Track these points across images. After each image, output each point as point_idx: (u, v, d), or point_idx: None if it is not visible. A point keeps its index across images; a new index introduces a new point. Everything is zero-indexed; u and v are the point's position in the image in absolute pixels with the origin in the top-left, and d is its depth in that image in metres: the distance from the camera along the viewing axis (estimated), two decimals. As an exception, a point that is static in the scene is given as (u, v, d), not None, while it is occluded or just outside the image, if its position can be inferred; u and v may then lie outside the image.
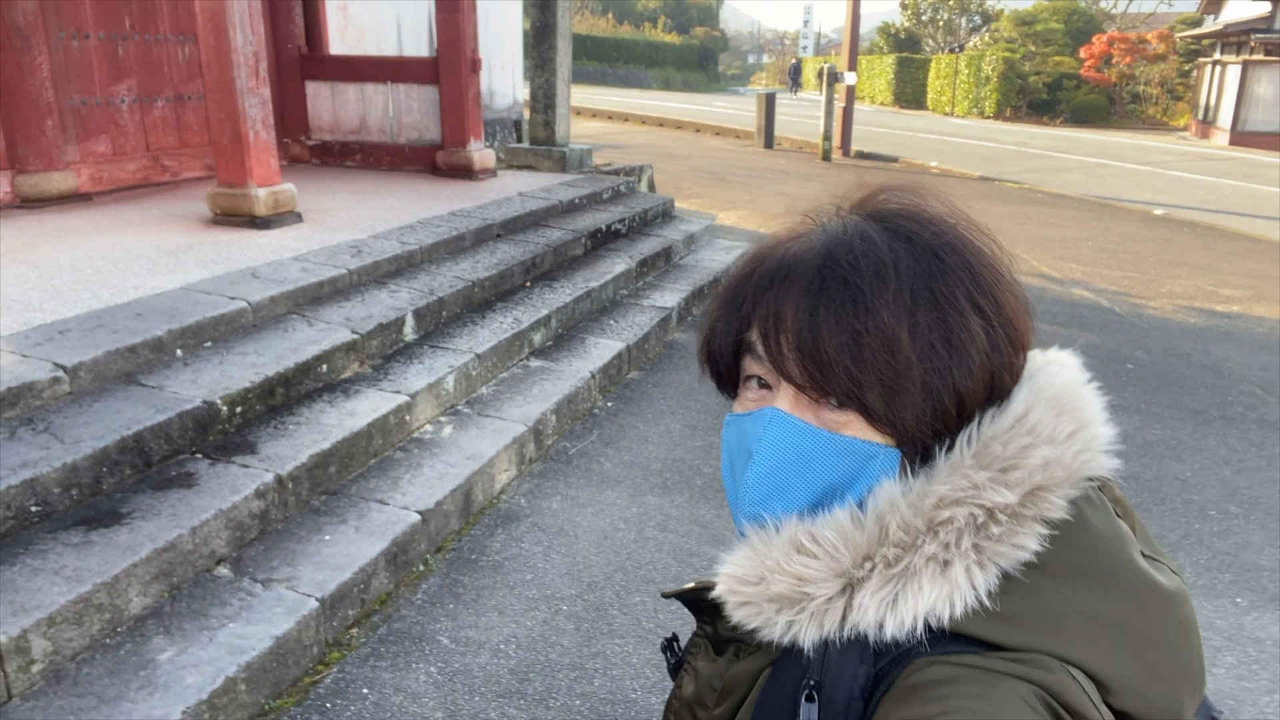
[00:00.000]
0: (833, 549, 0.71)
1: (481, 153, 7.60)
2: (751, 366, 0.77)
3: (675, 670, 0.94)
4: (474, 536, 3.42)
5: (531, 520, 3.55)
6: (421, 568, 3.18)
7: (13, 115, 5.53)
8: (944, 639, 0.68)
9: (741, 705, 0.78)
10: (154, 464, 2.99)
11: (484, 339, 4.48)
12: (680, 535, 3.50)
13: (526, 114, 12.60)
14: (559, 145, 9.54)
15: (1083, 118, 28.32)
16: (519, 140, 12.10)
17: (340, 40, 8.36)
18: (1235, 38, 22.40)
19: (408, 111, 7.68)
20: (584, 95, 25.10)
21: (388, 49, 9.21)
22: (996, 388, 0.73)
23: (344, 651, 2.74)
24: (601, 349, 5.00)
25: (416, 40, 9.54)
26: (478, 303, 4.98)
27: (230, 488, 2.90)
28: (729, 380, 0.81)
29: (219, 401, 3.22)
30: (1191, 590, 3.29)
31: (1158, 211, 11.83)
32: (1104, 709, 0.66)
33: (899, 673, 0.68)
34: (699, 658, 0.87)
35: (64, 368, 3.07)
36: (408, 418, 3.74)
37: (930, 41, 38.21)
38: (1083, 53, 28.64)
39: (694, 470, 4.02)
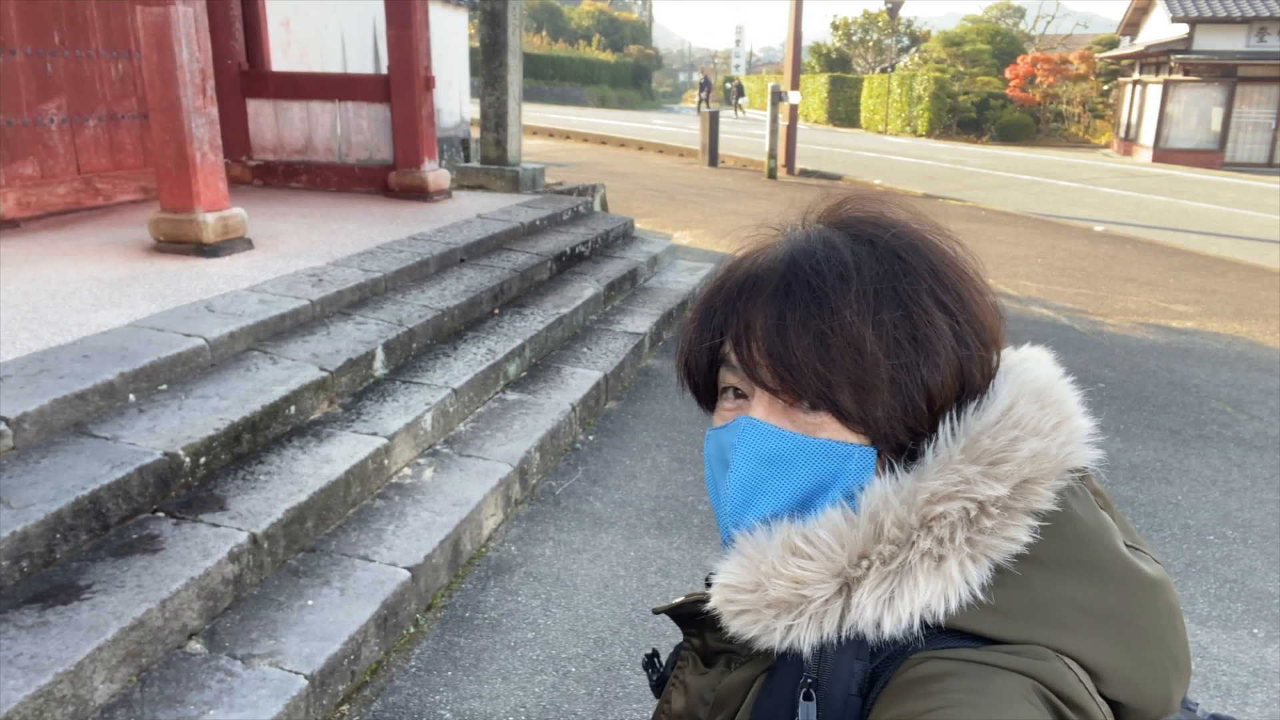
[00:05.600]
0: (828, 549, 0.71)
1: (436, 173, 7.34)
2: (727, 378, 0.78)
3: (658, 687, 0.92)
4: (465, 591, 3.17)
5: (525, 570, 3.32)
6: (412, 629, 2.93)
7: (-70, 136, 5.10)
8: (939, 634, 0.68)
9: (736, 715, 0.77)
10: (112, 526, 2.68)
11: (459, 372, 4.23)
12: (685, 580, 3.30)
13: (474, 133, 12.36)
14: (511, 164, 9.32)
15: (1009, 136, 29.09)
16: (467, 159, 11.83)
17: (283, 56, 8.02)
18: (1155, 58, 23.26)
19: (357, 131, 7.38)
20: (523, 112, 24.73)
21: (332, 66, 8.88)
22: (967, 383, 0.73)
23: (337, 732, 2.47)
24: (579, 379, 4.79)
25: (362, 57, 9.23)
26: (448, 333, 4.73)
27: (200, 551, 2.62)
28: (708, 395, 0.82)
29: (181, 452, 2.92)
30: (1206, 622, 3.24)
31: (1098, 228, 12.09)
32: (1099, 698, 0.67)
33: (895, 668, 0.68)
34: (687, 671, 0.86)
35: (6, 420, 2.74)
36: (386, 461, 3.48)
37: (861, 61, 38.93)
38: (1008, 73, 29.46)
39: (689, 508, 3.83)
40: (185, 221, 4.81)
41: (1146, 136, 23.39)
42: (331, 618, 2.66)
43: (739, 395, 0.78)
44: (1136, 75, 24.92)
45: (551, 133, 22.97)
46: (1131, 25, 27.27)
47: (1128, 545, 0.73)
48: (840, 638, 0.70)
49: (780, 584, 0.71)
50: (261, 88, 7.43)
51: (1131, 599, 0.70)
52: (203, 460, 3.02)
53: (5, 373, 3.06)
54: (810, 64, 42.94)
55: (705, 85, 45.11)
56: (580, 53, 49.73)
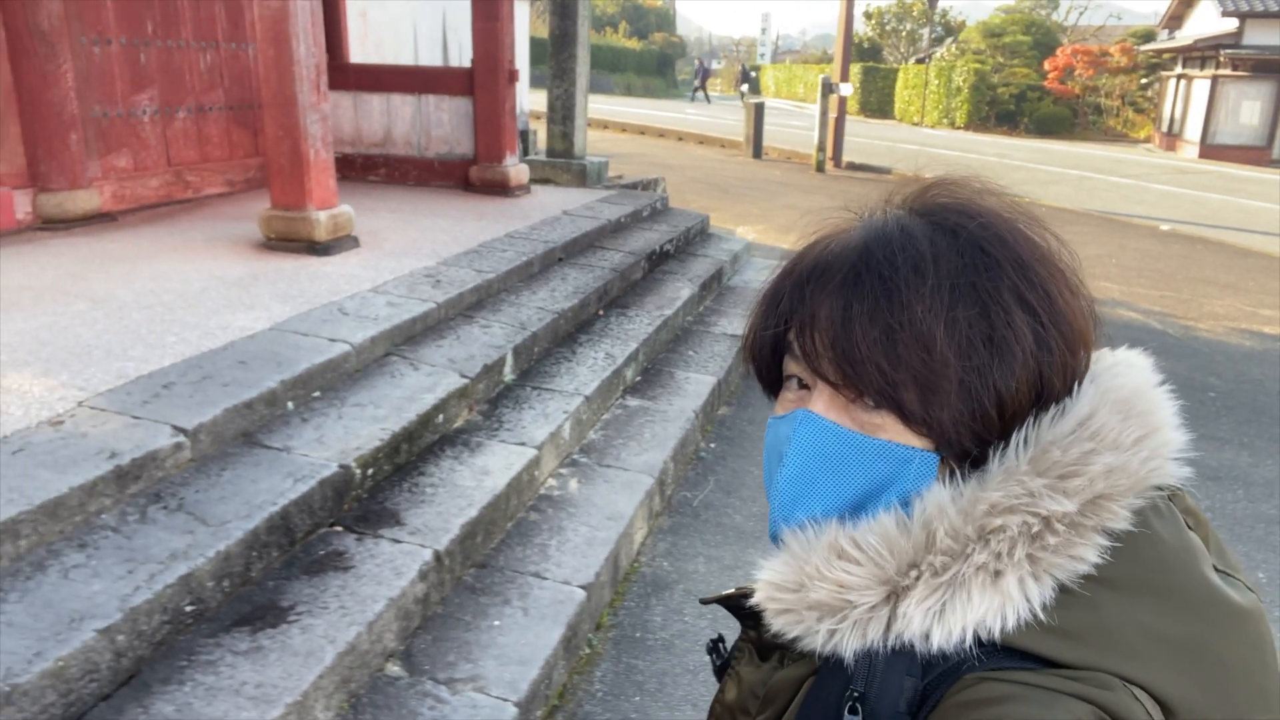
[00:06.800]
0: (877, 555, 0.68)
1: (517, 168, 7.25)
2: (790, 366, 0.75)
3: (721, 673, 0.90)
4: (629, 609, 3.10)
5: (683, 587, 3.24)
6: (588, 650, 2.86)
7: (35, 128, 5.05)
8: (997, 653, 0.64)
9: (784, 714, 0.75)
10: (298, 542, 2.62)
11: (585, 378, 4.16)
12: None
13: (532, 125, 12.25)
14: (578, 158, 9.25)
15: (1046, 129, 28.71)
16: (526, 152, 11.72)
17: (360, 48, 7.94)
18: (1202, 52, 22.88)
19: (437, 124, 7.30)
20: (556, 101, 24.49)
21: (404, 58, 8.80)
22: (1045, 390, 0.69)
23: (541, 761, 2.41)
24: (694, 384, 4.71)
25: (431, 49, 9.15)
26: (563, 336, 4.66)
27: (392, 569, 2.55)
28: (772, 381, 0.78)
29: (353, 464, 2.86)
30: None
31: (1164, 227, 11.89)
32: None
33: (948, 688, 0.64)
34: (743, 663, 0.84)
35: (184, 431, 2.69)
36: (536, 473, 3.41)
37: (893, 52, 38.53)
38: (1047, 65, 29.07)
39: (831, 522, 3.74)
40: (298, 219, 4.74)
41: (1192, 132, 23.03)
42: (522, 639, 2.59)
43: (802, 385, 0.74)
44: (1180, 69, 24.52)
45: (589, 122, 22.80)
46: (1175, 18, 26.82)
47: (1218, 570, 0.68)
48: (886, 648, 0.66)
49: (822, 586, 0.68)
50: (341, 79, 7.33)
51: (1214, 629, 0.65)
52: (370, 471, 2.96)
53: (169, 380, 3.00)
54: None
55: (700, 72, 44.45)
56: (607, 40, 49.47)
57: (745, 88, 42.40)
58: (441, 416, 3.42)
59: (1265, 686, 0.67)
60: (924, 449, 0.69)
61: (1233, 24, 21.23)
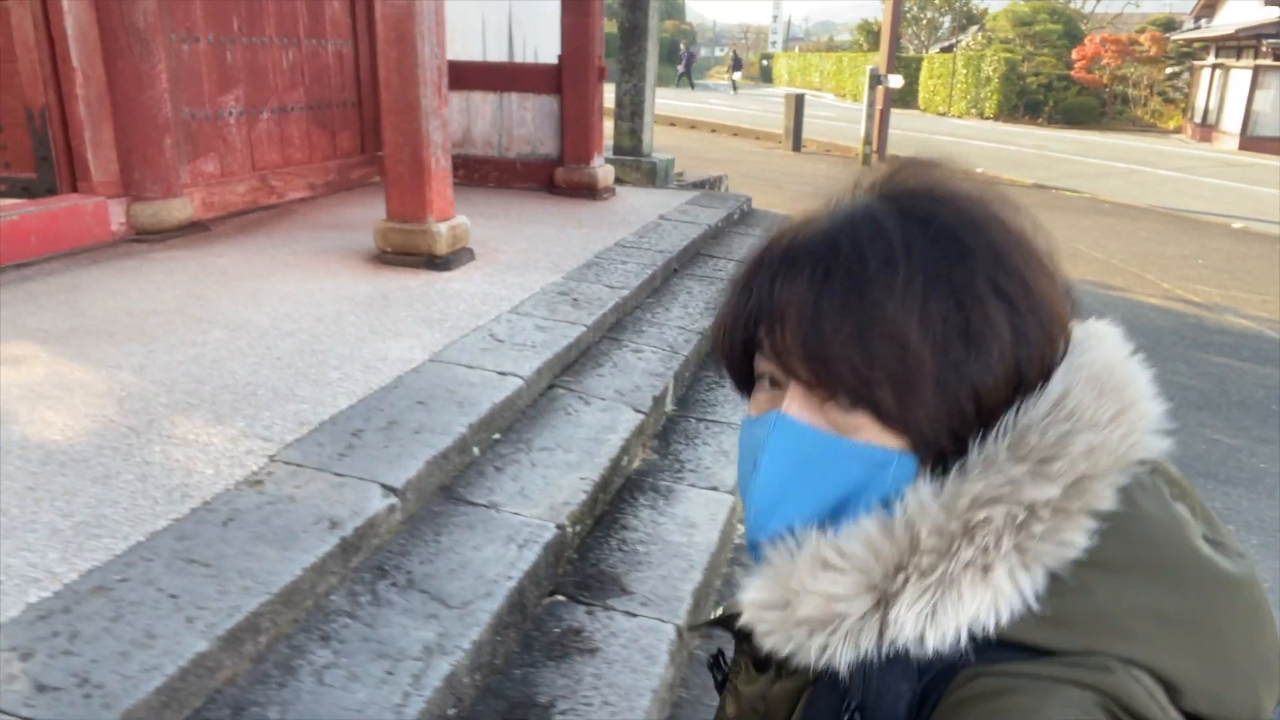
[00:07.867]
0: (861, 562, 0.64)
1: (604, 169, 6.95)
2: (761, 364, 0.71)
3: (722, 688, 0.87)
4: (855, 675, 2.82)
5: (904, 648, 2.96)
6: (832, 729, 2.57)
7: (130, 132, 4.75)
8: (992, 647, 0.61)
9: None
10: (529, 617, 2.34)
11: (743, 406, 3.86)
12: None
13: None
14: (646, 155, 8.95)
15: (1074, 119, 28.29)
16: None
17: (433, 42, 7.61)
18: (1238, 41, 22.48)
19: (520, 123, 6.98)
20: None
21: (473, 52, 8.47)
22: (1023, 383, 0.65)
23: None
24: (842, 408, 4.42)
25: (499, 43, 8.83)
26: (704, 357, 4.36)
27: (640, 651, 2.27)
28: (742, 379, 0.75)
29: (566, 523, 2.57)
30: None
31: (1236, 225, 11.58)
32: (1173, 712, 0.59)
33: (945, 687, 0.62)
34: (740, 678, 0.81)
35: (394, 490, 2.40)
36: (735, 520, 3.12)
37: (915, 40, 38.06)
38: (1075, 54, 28.63)
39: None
40: (418, 232, 4.45)
41: (1230, 123, 22.63)
42: (783, 728, 2.31)
43: (774, 384, 0.70)
44: (1213, 59, 24.12)
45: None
46: (1208, 6, 26.42)
47: (1208, 539, 0.65)
48: (881, 655, 0.63)
49: (810, 600, 0.65)
50: (418, 76, 7.02)
51: (1210, 601, 0.62)
52: (577, 528, 2.67)
53: (354, 425, 2.70)
54: (859, 42, 42.08)
55: (686, 57, 44.50)
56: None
57: (738, 75, 42.08)
58: (626, 458, 3.13)
59: (1264, 653, 0.65)
60: (901, 450, 0.65)
61: (1275, 13, 20.81)
